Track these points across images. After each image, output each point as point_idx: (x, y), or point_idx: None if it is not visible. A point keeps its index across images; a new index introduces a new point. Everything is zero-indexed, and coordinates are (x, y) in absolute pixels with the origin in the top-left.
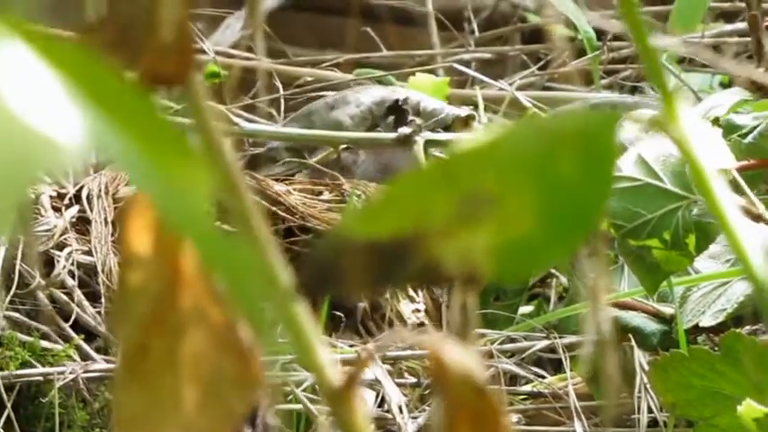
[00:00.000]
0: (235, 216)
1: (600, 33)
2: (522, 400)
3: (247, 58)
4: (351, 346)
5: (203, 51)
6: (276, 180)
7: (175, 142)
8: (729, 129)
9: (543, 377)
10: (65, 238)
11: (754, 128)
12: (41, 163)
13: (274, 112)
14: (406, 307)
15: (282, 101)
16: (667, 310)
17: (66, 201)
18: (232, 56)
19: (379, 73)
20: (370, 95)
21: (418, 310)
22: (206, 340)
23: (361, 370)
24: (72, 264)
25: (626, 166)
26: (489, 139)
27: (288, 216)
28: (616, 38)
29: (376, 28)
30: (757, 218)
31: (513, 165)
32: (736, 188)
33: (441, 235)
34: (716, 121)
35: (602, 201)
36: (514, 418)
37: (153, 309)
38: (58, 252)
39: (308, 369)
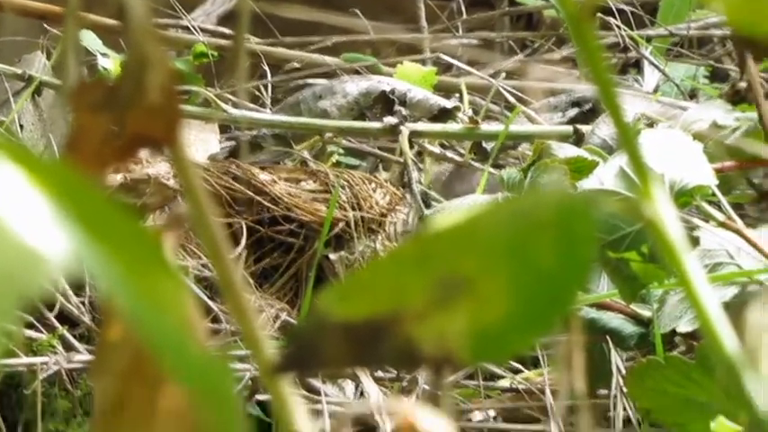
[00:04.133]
0: (222, 287)
1: None
2: (500, 395)
3: (232, 37)
4: None
5: (191, 30)
6: (262, 168)
7: (154, 257)
8: (713, 129)
9: (521, 372)
10: None
11: (737, 128)
12: (31, 277)
13: (261, 94)
14: None
15: (270, 85)
16: (645, 312)
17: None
18: (221, 35)
19: (366, 60)
20: (356, 86)
21: None
22: (183, 394)
23: None
24: None
25: (607, 178)
26: (466, 222)
27: (272, 206)
28: (603, 26)
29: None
30: (736, 232)
31: (489, 249)
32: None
33: (417, 317)
34: (697, 136)
35: (578, 285)
36: (491, 413)
37: (132, 362)
38: None
39: None
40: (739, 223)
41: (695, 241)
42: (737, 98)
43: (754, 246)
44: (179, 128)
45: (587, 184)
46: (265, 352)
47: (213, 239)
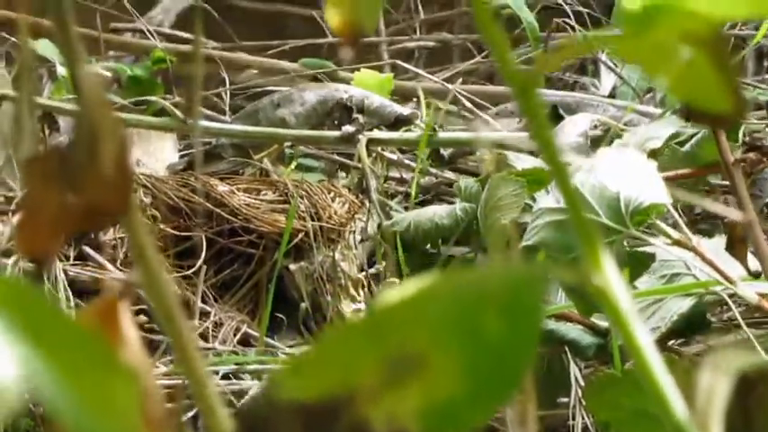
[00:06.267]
0: (176, 353)
1: (542, 24)
2: None
3: (190, 42)
4: (290, 346)
5: (147, 34)
6: (221, 179)
7: (101, 360)
8: (669, 137)
9: None
10: (12, 245)
11: (692, 136)
12: None
13: (220, 101)
14: (347, 307)
15: (228, 92)
16: (604, 323)
17: (14, 205)
18: (179, 40)
19: (324, 66)
20: (314, 94)
21: (360, 310)
22: None
23: None
24: (19, 272)
25: (562, 197)
26: (416, 295)
27: (231, 218)
28: (558, 29)
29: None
30: (692, 250)
31: (438, 324)
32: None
33: (369, 396)
34: (652, 154)
35: (527, 359)
36: None
37: None
38: (4, 259)
39: None
40: (694, 240)
41: (652, 258)
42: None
43: (709, 263)
44: (131, 198)
45: (543, 201)
46: (221, 424)
47: (166, 306)
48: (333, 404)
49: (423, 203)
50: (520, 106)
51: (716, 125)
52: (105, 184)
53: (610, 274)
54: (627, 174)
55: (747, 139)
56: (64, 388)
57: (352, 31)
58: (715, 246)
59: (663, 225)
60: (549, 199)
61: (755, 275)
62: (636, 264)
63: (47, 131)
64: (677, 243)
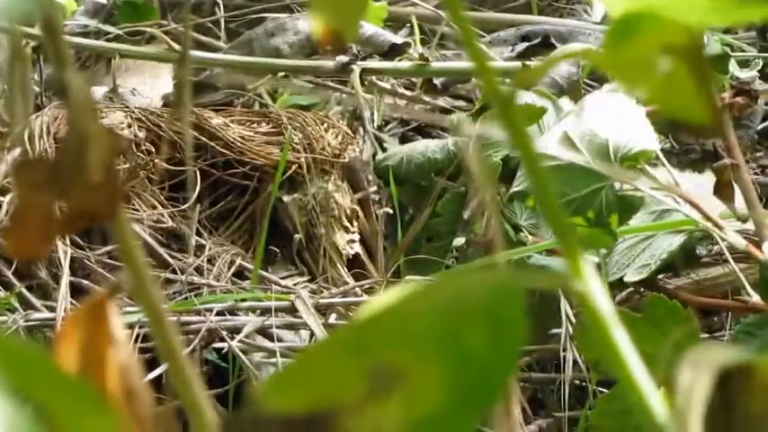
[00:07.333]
0: (163, 355)
1: None
2: None
3: None
4: (284, 277)
5: None
6: (215, 110)
7: (85, 401)
8: None
9: None
10: (7, 182)
11: None
12: None
13: (214, 28)
14: (341, 238)
15: (223, 19)
16: (594, 259)
17: (9, 142)
18: None
19: None
20: (308, 23)
21: (353, 241)
22: None
23: None
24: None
25: (551, 144)
26: (397, 308)
27: (226, 151)
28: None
29: None
30: (680, 196)
31: (420, 337)
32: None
33: (353, 410)
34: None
35: (509, 372)
36: None
37: None
38: (0, 197)
39: None
40: (682, 184)
41: (640, 201)
42: None
43: (697, 208)
44: (120, 203)
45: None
46: (207, 423)
47: (153, 308)
48: (317, 417)
49: (417, 130)
50: (500, 120)
51: (698, 135)
52: (93, 190)
53: (590, 281)
54: (616, 119)
55: (735, 83)
56: None
57: (335, 40)
58: (703, 182)
59: (651, 171)
60: (539, 143)
61: (743, 220)
62: (625, 207)
63: (41, 62)
64: (664, 188)
